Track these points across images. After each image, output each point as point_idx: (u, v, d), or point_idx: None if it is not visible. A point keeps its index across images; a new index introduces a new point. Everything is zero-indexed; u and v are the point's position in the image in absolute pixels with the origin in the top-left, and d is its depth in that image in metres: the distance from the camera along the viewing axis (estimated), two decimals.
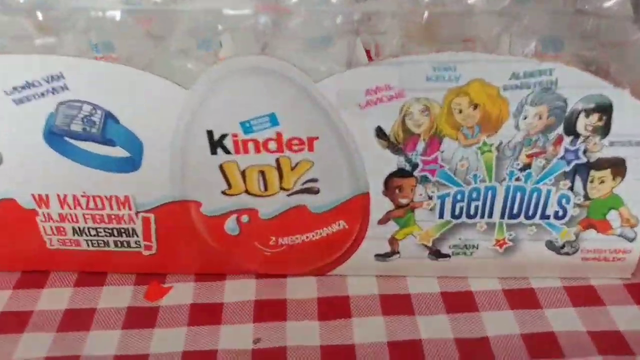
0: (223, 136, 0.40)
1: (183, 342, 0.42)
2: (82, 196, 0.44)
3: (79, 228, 0.46)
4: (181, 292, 0.46)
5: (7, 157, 0.42)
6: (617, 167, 0.41)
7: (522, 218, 0.43)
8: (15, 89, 0.39)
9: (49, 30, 0.46)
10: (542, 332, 0.42)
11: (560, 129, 0.39)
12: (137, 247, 0.46)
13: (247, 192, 0.43)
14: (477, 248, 0.45)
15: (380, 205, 0.43)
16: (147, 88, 0.39)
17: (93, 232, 0.46)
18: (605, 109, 0.38)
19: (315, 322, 0.43)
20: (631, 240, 0.44)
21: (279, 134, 0.40)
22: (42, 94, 0.40)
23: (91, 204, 0.44)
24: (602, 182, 0.41)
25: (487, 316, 0.43)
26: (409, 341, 0.42)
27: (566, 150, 0.40)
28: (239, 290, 0.46)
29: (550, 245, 0.44)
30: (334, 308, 0.44)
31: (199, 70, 0.44)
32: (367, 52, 0.46)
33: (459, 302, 0.45)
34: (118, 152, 0.42)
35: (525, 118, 0.39)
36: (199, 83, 0.38)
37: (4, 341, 0.42)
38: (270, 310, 0.44)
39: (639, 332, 0.42)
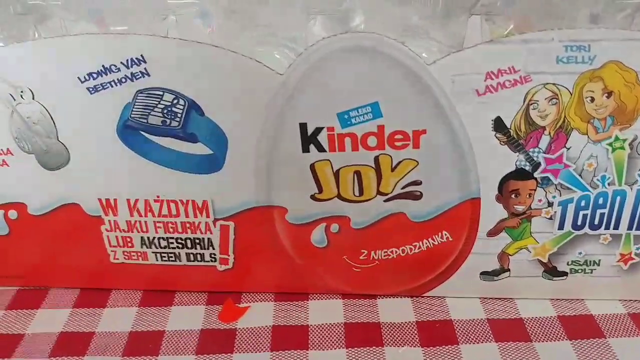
0: (317, 130, 0.35)
1: None
2: (155, 201, 0.38)
3: (148, 238, 0.40)
4: (260, 313, 0.39)
5: (74, 155, 0.37)
6: None
7: None
8: (90, 75, 0.34)
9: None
10: None
11: None
12: (212, 261, 0.40)
13: (339, 196, 0.37)
14: (599, 265, 0.38)
15: (491, 213, 0.37)
16: (237, 73, 0.34)
17: (164, 244, 0.40)
18: None
19: (418, 349, 0.36)
20: None
21: (380, 128, 0.34)
22: (120, 81, 0.35)
23: (164, 210, 0.38)
24: None
25: (616, 343, 0.36)
26: None
27: None
28: (325, 312, 0.39)
29: None
30: (437, 333, 0.37)
31: (285, 59, 0.39)
32: None
33: (580, 327, 0.37)
34: (200, 149, 0.36)
35: None
36: (293, 67, 0.33)
37: None
38: (363, 335, 0.37)
39: None
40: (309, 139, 0.35)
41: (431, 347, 0.36)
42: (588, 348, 0.36)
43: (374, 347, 0.36)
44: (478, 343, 0.36)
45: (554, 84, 0.33)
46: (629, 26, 0.36)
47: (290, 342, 0.37)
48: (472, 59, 0.32)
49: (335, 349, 0.36)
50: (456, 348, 0.36)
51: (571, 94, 0.33)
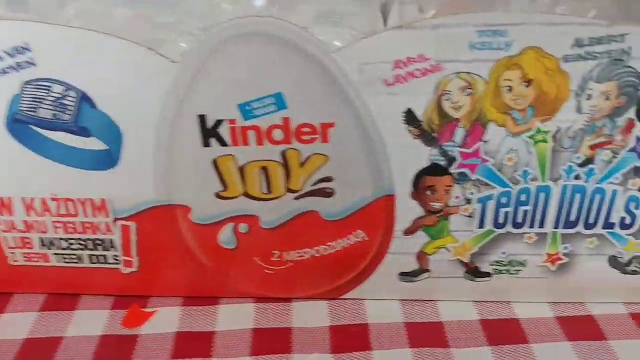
0: (218, 123, 0.32)
1: None
2: (52, 199, 0.35)
3: (48, 239, 0.37)
4: (165, 318, 0.37)
5: None
6: None
7: (580, 227, 0.34)
8: None
9: None
10: None
11: (631, 113, 0.31)
12: (115, 263, 0.37)
13: (246, 194, 0.34)
14: (525, 265, 0.36)
15: (407, 211, 0.34)
16: (130, 61, 0.31)
17: (64, 245, 0.37)
18: None
19: (328, 355, 0.34)
20: None
21: (285, 120, 0.32)
22: (4, 71, 0.31)
23: (62, 209, 0.35)
24: None
25: (539, 349, 0.34)
26: None
27: (638, 140, 0.31)
28: (234, 317, 0.37)
29: (613, 261, 0.35)
30: (350, 338, 0.35)
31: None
32: None
33: (504, 331, 0.35)
34: (94, 144, 0.33)
35: (589, 98, 0.30)
36: (189, 55, 0.30)
37: None
38: (272, 341, 0.35)
39: None
40: (209, 133, 0.32)
41: (342, 354, 0.34)
42: (511, 353, 0.34)
43: (280, 355, 0.34)
44: (392, 348, 0.34)
45: (467, 72, 0.30)
46: (551, 9, 0.33)
47: (193, 349, 0.34)
48: (380, 47, 0.30)
49: (239, 356, 0.34)
50: (368, 354, 0.34)
51: (487, 83, 0.30)
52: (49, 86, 0.32)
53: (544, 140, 0.32)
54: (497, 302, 0.37)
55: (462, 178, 0.33)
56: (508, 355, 0.34)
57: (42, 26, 0.31)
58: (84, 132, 0.33)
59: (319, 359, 0.33)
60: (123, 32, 0.32)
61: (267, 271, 0.37)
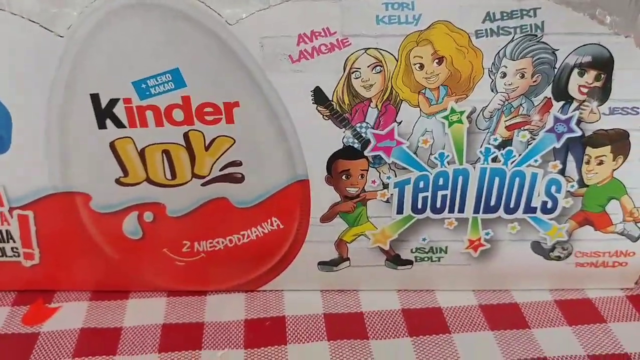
0: (113, 102, 0.29)
1: None
2: None
3: None
4: (70, 314, 0.34)
5: None
6: (619, 142, 0.30)
7: (501, 211, 0.32)
8: None
9: None
10: (533, 358, 0.31)
11: (548, 91, 0.29)
12: (15, 256, 0.34)
13: (148, 180, 0.31)
14: (446, 252, 0.34)
15: (323, 196, 0.32)
16: (14, 37, 0.28)
17: None
18: (604, 64, 0.28)
19: (241, 351, 0.31)
20: (635, 239, 0.33)
21: (185, 99, 0.29)
22: None
23: None
24: (601, 162, 0.31)
25: (461, 339, 0.32)
26: None
27: (556, 120, 0.29)
28: (144, 312, 0.34)
29: (537, 247, 0.33)
30: (266, 333, 0.32)
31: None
32: None
33: (426, 321, 0.33)
34: None
35: (504, 76, 0.28)
36: (76, 27, 0.27)
37: None
38: (182, 337, 0.32)
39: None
40: (103, 113, 0.29)
41: (255, 348, 0.31)
42: (431, 344, 0.32)
43: (189, 351, 0.31)
44: (309, 342, 0.32)
45: (376, 48, 0.28)
46: None
47: (97, 347, 0.31)
48: (281, 19, 0.27)
49: (146, 353, 0.31)
50: (283, 348, 0.31)
51: (397, 61, 0.28)
52: None
53: (459, 121, 0.29)
54: (420, 290, 0.35)
55: (377, 161, 0.31)
56: (428, 346, 0.32)
57: None
58: None
59: (228, 354, 0.31)
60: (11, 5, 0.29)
61: (178, 263, 0.34)
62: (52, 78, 0.28)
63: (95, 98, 0.29)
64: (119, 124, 0.29)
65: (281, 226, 0.33)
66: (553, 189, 0.31)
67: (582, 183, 0.31)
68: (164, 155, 0.30)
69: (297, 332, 0.32)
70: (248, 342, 0.32)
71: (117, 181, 0.31)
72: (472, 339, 0.32)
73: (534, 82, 0.28)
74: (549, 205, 0.32)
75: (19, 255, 0.34)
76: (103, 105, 0.29)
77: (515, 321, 0.33)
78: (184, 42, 0.27)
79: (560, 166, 0.31)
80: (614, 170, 0.31)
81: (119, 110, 0.29)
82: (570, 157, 0.31)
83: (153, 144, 0.30)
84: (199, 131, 0.30)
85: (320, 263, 0.34)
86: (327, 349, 0.31)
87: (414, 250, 0.34)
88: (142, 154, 0.30)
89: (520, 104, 0.29)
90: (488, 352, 0.31)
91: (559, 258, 0.34)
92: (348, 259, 0.34)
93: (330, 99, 0.29)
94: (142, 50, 0.28)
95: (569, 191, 0.32)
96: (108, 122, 0.29)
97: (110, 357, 0.31)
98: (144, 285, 0.35)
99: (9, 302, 0.35)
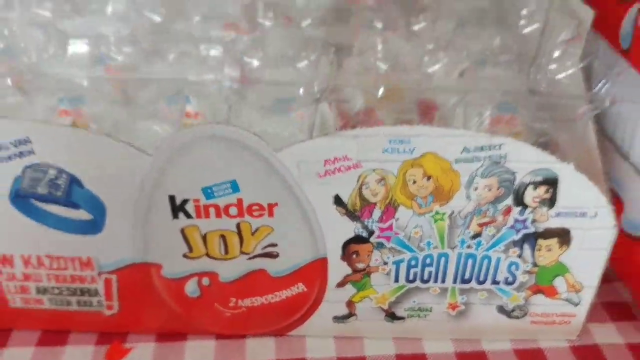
0: (185, 201, 0.38)
1: None
2: (47, 256, 0.41)
3: (43, 287, 0.43)
4: (142, 353, 0.43)
5: None
6: (563, 236, 0.39)
7: (473, 283, 0.41)
8: None
9: (21, 88, 0.43)
10: None
11: (509, 200, 0.38)
12: (99, 306, 0.43)
13: (208, 255, 0.40)
14: (431, 311, 0.43)
15: (338, 269, 0.41)
16: (111, 153, 0.37)
17: (56, 291, 0.43)
18: (551, 182, 0.37)
19: None
20: (576, 304, 0.42)
21: (239, 200, 0.38)
22: (9, 157, 0.37)
23: (54, 265, 0.41)
24: (549, 250, 0.40)
25: None
26: None
27: (515, 220, 0.39)
28: (198, 351, 0.43)
29: (500, 309, 0.43)
30: None
31: (164, 132, 0.42)
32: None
33: None
34: (82, 215, 0.39)
35: (475, 189, 0.37)
36: (162, 149, 0.37)
37: None
38: None
39: None
40: (177, 209, 0.38)
41: None
42: None
43: None
44: None
45: (381, 169, 0.37)
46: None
47: None
48: (313, 149, 0.36)
49: None
50: None
51: (396, 177, 0.37)
52: (46, 170, 0.38)
53: (442, 220, 0.39)
54: (411, 339, 0.44)
55: (380, 246, 0.40)
56: None
57: (40, 124, 0.37)
58: (73, 206, 0.39)
59: None
60: (106, 117, 0.38)
61: (225, 314, 0.43)
62: (140, 182, 0.38)
63: (172, 198, 0.38)
64: (188, 216, 0.38)
65: (305, 290, 0.42)
66: (513, 268, 0.41)
67: (535, 264, 0.40)
68: (220, 238, 0.40)
69: None
70: None
71: (184, 255, 0.40)
72: None
73: (498, 194, 0.38)
74: (510, 279, 0.41)
75: (102, 306, 0.43)
76: (177, 203, 0.38)
77: None
78: (242, 162, 0.37)
79: (518, 252, 0.40)
80: (559, 255, 0.40)
81: (189, 207, 0.38)
82: (526, 246, 0.40)
83: (213, 231, 0.39)
84: (248, 222, 0.39)
85: (334, 317, 0.43)
86: None
87: (406, 309, 0.43)
88: (204, 237, 0.39)
89: (488, 209, 0.38)
90: None
91: (517, 317, 0.43)
92: (355, 314, 0.43)
93: (346, 202, 0.38)
94: (211, 167, 0.37)
95: (525, 270, 0.41)
96: (180, 214, 0.38)
97: None
98: (197, 331, 0.44)
99: (93, 342, 0.44)
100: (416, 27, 0.50)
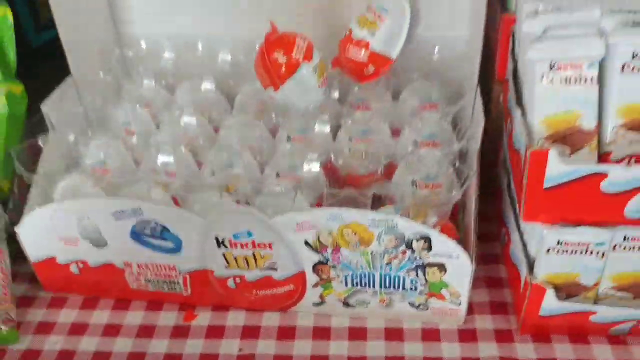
0: (223, 239, 0.67)
1: (201, 347, 0.70)
2: (150, 264, 0.72)
3: (148, 279, 0.74)
4: (203, 317, 0.74)
5: (110, 244, 0.71)
6: (440, 267, 0.65)
7: (391, 289, 0.68)
8: (117, 213, 0.68)
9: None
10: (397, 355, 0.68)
11: (403, 247, 0.64)
12: (179, 290, 0.74)
13: (237, 267, 0.70)
14: (369, 303, 0.71)
15: (311, 278, 0.69)
16: (182, 216, 0.67)
17: (155, 281, 0.74)
18: (426, 238, 0.63)
19: (272, 342, 0.70)
20: (458, 305, 0.69)
21: (253, 241, 0.67)
22: (130, 216, 0.68)
23: (154, 268, 0.73)
24: (434, 274, 0.66)
25: (372, 344, 0.69)
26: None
27: (409, 257, 0.65)
28: (235, 317, 0.74)
29: (411, 304, 0.70)
30: (288, 332, 0.71)
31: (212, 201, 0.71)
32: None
33: (359, 333, 0.70)
34: (169, 244, 0.70)
35: (383, 241, 0.64)
36: (212, 214, 0.66)
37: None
38: (251, 332, 0.72)
39: (456, 358, 0.67)
40: (219, 243, 0.68)
41: (282, 341, 0.70)
42: (354, 345, 0.69)
43: (256, 340, 0.71)
44: (307, 339, 0.70)
45: (329, 230, 0.64)
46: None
47: (215, 334, 0.71)
48: (292, 218, 0.64)
49: (236, 338, 0.71)
50: (293, 341, 0.70)
51: (337, 233, 0.64)
52: (149, 221, 0.68)
53: (367, 254, 0.66)
54: (358, 318, 0.72)
55: (333, 267, 0.67)
56: (354, 346, 0.69)
57: (146, 202, 0.67)
58: (164, 240, 0.69)
59: (269, 343, 0.70)
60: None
61: (250, 298, 0.73)
62: (199, 229, 0.67)
63: (217, 238, 0.67)
64: (226, 247, 0.68)
65: (294, 288, 0.71)
66: (413, 282, 0.67)
67: (427, 281, 0.67)
68: (244, 259, 0.69)
69: (302, 333, 0.71)
70: (278, 336, 0.71)
71: (225, 267, 0.70)
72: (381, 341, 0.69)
73: (396, 244, 0.64)
74: (413, 288, 0.68)
75: (181, 290, 0.74)
76: (220, 240, 0.67)
77: (402, 337, 0.70)
78: (253, 222, 0.65)
79: (415, 274, 0.66)
80: (441, 277, 0.66)
81: (226, 242, 0.67)
82: (419, 270, 0.66)
83: (239, 255, 0.68)
84: (258, 252, 0.68)
85: (313, 303, 0.72)
86: (310, 344, 0.69)
87: (354, 301, 0.71)
88: (235, 258, 0.69)
89: (392, 250, 0.65)
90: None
91: (422, 309, 0.70)
92: (325, 302, 0.71)
93: (311, 244, 0.66)
94: (237, 224, 0.65)
95: (421, 284, 0.67)
96: (222, 246, 0.68)
97: (218, 341, 0.71)
98: (235, 306, 0.74)
99: (176, 310, 0.75)
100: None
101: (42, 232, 0.72)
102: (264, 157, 0.78)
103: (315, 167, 0.73)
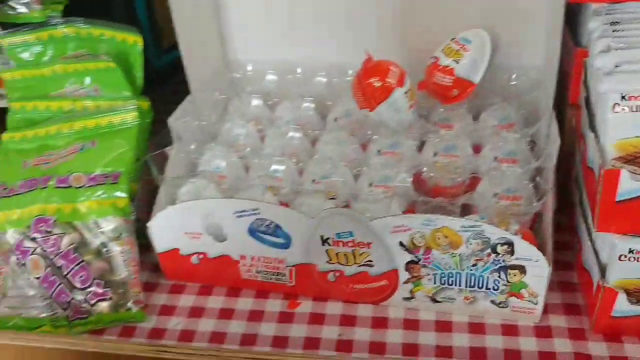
0: (327, 238, 0.78)
1: (305, 331, 0.80)
2: (261, 257, 0.83)
3: (257, 270, 0.85)
4: (305, 305, 0.84)
5: (230, 238, 0.82)
6: (521, 269, 0.73)
7: (476, 288, 0.77)
8: (241, 212, 0.79)
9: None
10: (479, 346, 0.76)
11: (489, 250, 0.73)
12: (285, 281, 0.85)
13: (338, 263, 0.80)
14: (455, 299, 0.79)
15: (404, 275, 0.78)
16: (294, 217, 0.77)
17: (264, 273, 0.85)
18: (510, 243, 0.71)
19: (368, 330, 0.80)
20: (535, 304, 0.76)
21: (353, 240, 0.77)
22: (249, 215, 0.79)
23: (265, 261, 0.83)
24: (515, 275, 0.74)
25: (457, 336, 0.78)
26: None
27: (493, 260, 0.73)
28: (334, 307, 0.83)
29: (493, 302, 0.78)
30: (381, 322, 0.81)
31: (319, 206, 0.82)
32: None
33: (445, 326, 0.79)
34: (280, 240, 0.80)
35: (471, 244, 0.73)
36: (319, 215, 0.76)
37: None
38: (348, 320, 0.81)
39: (533, 352, 0.75)
40: (324, 241, 0.78)
41: (375, 329, 0.80)
42: (444, 335, 0.78)
43: (352, 328, 0.80)
44: (397, 329, 0.80)
45: (422, 233, 0.73)
46: None
47: (316, 320, 0.81)
48: (390, 221, 0.74)
49: (334, 325, 0.81)
50: (384, 329, 0.79)
51: (430, 236, 0.74)
52: (264, 220, 0.79)
53: (455, 256, 0.74)
54: (444, 313, 0.81)
55: (424, 266, 0.76)
56: (443, 337, 0.78)
57: (260, 203, 0.78)
58: (276, 236, 0.80)
59: (365, 331, 0.80)
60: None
61: (347, 291, 0.82)
62: (307, 228, 0.77)
63: (322, 237, 0.77)
64: (329, 245, 0.78)
65: (387, 283, 0.80)
66: (496, 282, 0.75)
67: (508, 281, 0.75)
68: (344, 255, 0.78)
69: (394, 323, 0.80)
70: (372, 325, 0.80)
71: (327, 262, 0.80)
72: (468, 334, 0.78)
73: (483, 247, 0.72)
74: (495, 288, 0.76)
75: (286, 281, 0.84)
76: (324, 238, 0.77)
77: (483, 331, 0.78)
78: (355, 224, 0.75)
79: (497, 275, 0.74)
80: (521, 278, 0.74)
81: (330, 241, 0.77)
82: (502, 272, 0.74)
83: (341, 252, 0.78)
84: (358, 249, 0.77)
85: (403, 297, 0.81)
86: (402, 333, 0.79)
87: (441, 297, 0.79)
88: (337, 254, 0.79)
89: (478, 253, 0.73)
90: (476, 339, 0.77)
91: (503, 307, 0.78)
92: (415, 297, 0.80)
93: (406, 245, 0.75)
94: (340, 225, 0.75)
95: (503, 284, 0.75)
96: (325, 244, 0.78)
97: (319, 326, 0.81)
98: (334, 297, 0.84)
99: (281, 298, 0.86)
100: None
101: (170, 227, 0.84)
102: (356, 168, 0.88)
103: (406, 178, 0.83)
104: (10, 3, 0.81)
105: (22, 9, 0.83)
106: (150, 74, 1.00)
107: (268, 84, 1.04)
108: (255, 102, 1.00)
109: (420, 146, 0.91)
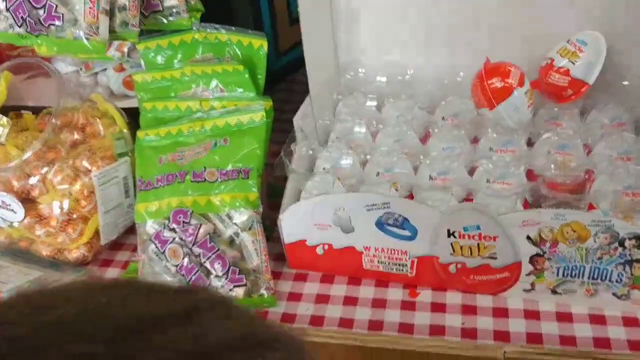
0: (454, 232, 0.81)
1: (428, 319, 0.84)
2: (385, 247, 0.87)
3: (379, 260, 0.89)
4: (424, 294, 0.88)
5: (357, 230, 0.87)
6: None
7: (599, 280, 0.79)
8: (368, 205, 0.84)
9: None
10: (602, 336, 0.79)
11: (616, 244, 0.75)
12: (406, 271, 0.89)
13: (462, 255, 0.83)
14: (576, 292, 0.82)
15: (527, 267, 0.82)
16: (423, 211, 0.81)
17: (387, 263, 0.89)
18: (638, 237, 0.74)
19: (490, 319, 0.83)
20: None
21: (479, 234, 0.80)
22: (380, 208, 0.83)
23: (388, 252, 0.88)
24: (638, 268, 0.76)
25: (579, 326, 0.80)
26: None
27: (619, 254, 0.76)
28: (453, 298, 0.87)
29: (615, 294, 0.80)
30: (502, 312, 0.84)
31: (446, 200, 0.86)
32: None
33: (565, 317, 0.82)
34: (406, 232, 0.84)
35: (599, 238, 0.75)
36: (449, 208, 0.80)
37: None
38: (469, 310, 0.85)
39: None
40: (449, 234, 0.82)
41: (472, 316, 0.83)
42: (553, 325, 0.81)
43: (471, 316, 0.84)
44: (518, 318, 0.83)
45: (550, 226, 0.76)
46: None
47: (435, 308, 0.85)
48: (519, 216, 0.77)
49: (455, 313, 0.84)
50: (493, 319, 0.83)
51: (558, 230, 0.76)
52: (394, 214, 0.84)
53: (581, 250, 0.77)
54: (563, 304, 0.83)
55: (549, 259, 0.79)
56: (551, 326, 0.80)
57: (389, 197, 0.83)
58: (403, 229, 0.84)
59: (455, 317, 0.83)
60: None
61: (468, 282, 0.86)
62: (435, 222, 0.81)
63: (448, 230, 0.81)
64: (455, 237, 0.82)
65: (509, 275, 0.83)
66: (619, 275, 0.78)
67: (631, 274, 0.77)
68: (469, 247, 0.82)
69: (512, 312, 0.83)
70: (494, 314, 0.83)
71: (450, 254, 0.84)
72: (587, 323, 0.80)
73: (610, 241, 0.75)
74: (618, 280, 0.78)
75: (407, 271, 0.89)
76: (450, 232, 0.81)
77: (604, 322, 0.80)
78: (482, 218, 0.78)
79: (622, 268, 0.77)
80: None
81: (456, 234, 0.81)
82: (627, 265, 0.76)
83: (465, 244, 0.82)
84: (483, 242, 0.81)
85: (523, 289, 0.84)
86: (523, 321, 0.82)
87: (562, 290, 0.82)
88: (461, 247, 0.82)
89: (605, 247, 0.76)
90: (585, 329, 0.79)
91: (624, 299, 0.80)
92: (535, 289, 0.83)
93: (532, 238, 0.78)
94: (468, 219, 0.79)
95: (627, 277, 0.77)
96: (450, 237, 0.82)
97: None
98: (453, 288, 0.88)
99: (401, 287, 0.90)
100: None
101: (300, 219, 0.89)
102: (468, 166, 0.92)
103: (521, 175, 0.86)
104: (164, 13, 0.88)
105: (171, 18, 0.89)
106: (268, 75, 1.06)
107: (379, 84, 1.08)
108: (368, 102, 1.05)
109: (527, 143, 0.94)
